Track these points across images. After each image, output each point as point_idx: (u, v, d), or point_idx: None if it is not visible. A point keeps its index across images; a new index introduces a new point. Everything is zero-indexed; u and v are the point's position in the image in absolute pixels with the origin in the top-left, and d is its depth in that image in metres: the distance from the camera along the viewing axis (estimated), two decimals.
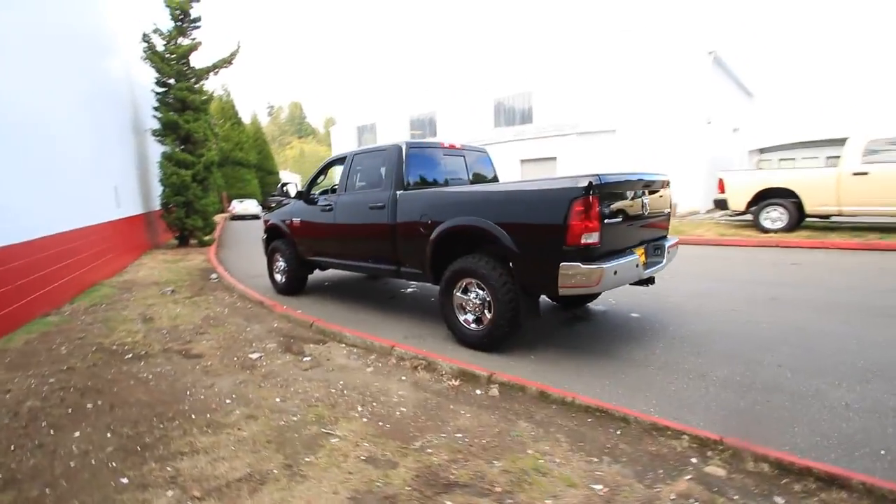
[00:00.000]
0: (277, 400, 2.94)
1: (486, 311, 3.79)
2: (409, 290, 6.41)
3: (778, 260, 7.19)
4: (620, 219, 3.50)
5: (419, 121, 24.58)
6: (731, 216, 11.80)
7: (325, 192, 6.07)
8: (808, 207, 8.90)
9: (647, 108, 17.23)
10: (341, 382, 3.25)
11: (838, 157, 26.20)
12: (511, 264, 3.61)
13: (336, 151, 30.09)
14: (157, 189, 11.31)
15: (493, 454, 2.22)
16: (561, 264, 3.23)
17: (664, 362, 3.42)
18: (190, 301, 5.99)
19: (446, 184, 4.98)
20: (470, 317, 3.92)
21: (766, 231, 9.42)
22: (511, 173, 17.73)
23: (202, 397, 3.00)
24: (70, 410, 2.63)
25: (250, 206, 25.14)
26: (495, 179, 5.71)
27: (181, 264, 9.17)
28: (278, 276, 6.44)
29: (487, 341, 3.75)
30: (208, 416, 2.69)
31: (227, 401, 2.94)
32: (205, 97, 11.15)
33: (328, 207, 5.36)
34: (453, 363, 3.34)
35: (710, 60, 16.14)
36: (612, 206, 3.40)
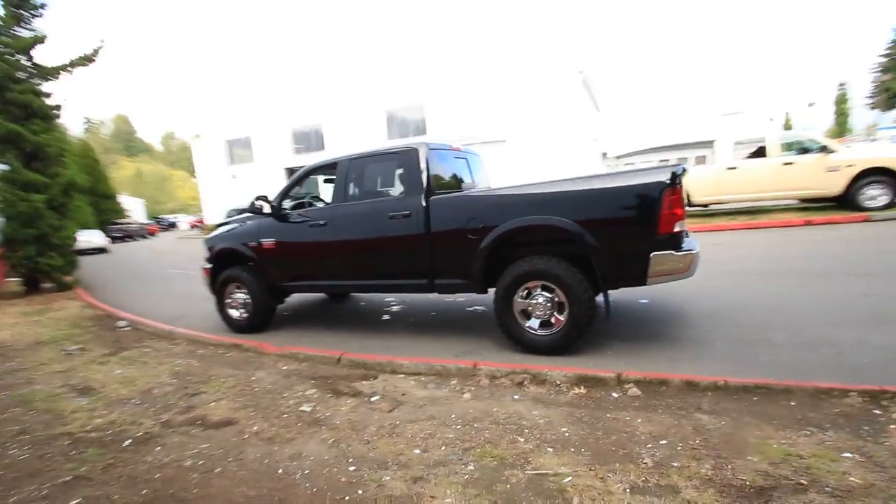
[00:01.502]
0: (417, 451, 2.35)
1: (555, 314, 3.62)
2: (396, 307, 5.86)
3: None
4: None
5: (303, 133, 23.04)
6: None
7: (299, 206, 5.21)
8: (695, 198, 10.63)
9: (530, 120, 18.83)
10: (454, 416, 2.76)
11: (667, 160, 31.70)
12: (590, 261, 3.53)
13: (202, 168, 26.48)
14: None
15: (730, 451, 2.08)
16: (652, 254, 3.26)
17: (737, 336, 3.62)
18: (121, 359, 4.55)
19: (459, 187, 4.67)
20: (535, 322, 3.71)
21: None
22: None
23: (308, 472, 2.24)
24: None
25: (93, 237, 20.57)
26: (487, 182, 5.56)
27: (52, 315, 6.98)
28: (235, 312, 5.29)
29: (563, 343, 3.58)
30: (361, 491, 2.01)
31: (351, 468, 2.25)
32: (57, 103, 8.71)
33: (320, 222, 4.58)
34: (565, 370, 3.10)
35: (581, 78, 18.41)
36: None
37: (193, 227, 34.69)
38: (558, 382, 3.04)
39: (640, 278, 3.37)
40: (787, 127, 36.92)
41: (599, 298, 3.68)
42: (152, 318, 6.19)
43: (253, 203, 4.77)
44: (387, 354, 3.94)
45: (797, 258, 6.36)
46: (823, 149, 9.24)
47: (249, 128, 24.07)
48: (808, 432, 2.22)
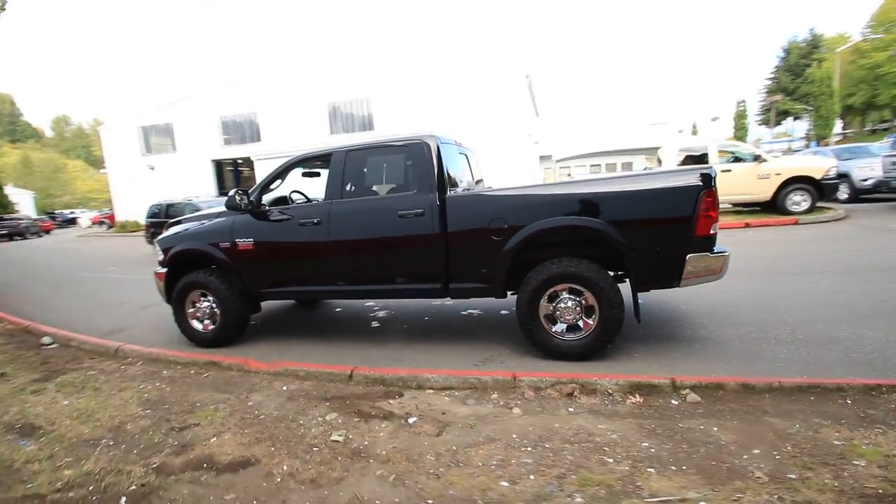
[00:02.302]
0: (504, 484, 2.06)
1: (584, 318, 3.50)
2: (382, 313, 5.43)
3: None
4: None
5: (234, 122, 21.25)
6: None
7: (279, 202, 4.63)
8: None
9: (478, 121, 18.89)
10: (514, 436, 2.51)
11: (598, 165, 33.57)
12: (616, 262, 3.45)
13: (112, 158, 23.45)
14: None
15: (830, 456, 2.04)
16: (688, 256, 3.24)
17: (747, 335, 3.72)
18: (60, 386, 3.72)
19: (464, 184, 4.41)
20: (562, 326, 3.56)
21: None
22: None
23: None
24: None
25: None
26: (483, 178, 5.35)
27: None
28: (199, 323, 4.59)
29: (594, 348, 3.47)
30: None
31: None
32: None
33: (312, 220, 4.07)
34: (616, 378, 2.96)
35: (527, 83, 18.83)
36: None
37: (98, 222, 30.68)
38: (611, 391, 2.90)
39: (673, 280, 3.34)
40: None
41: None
42: (83, 333, 5.21)
43: (232, 197, 4.12)
44: (400, 367, 3.59)
45: (754, 258, 6.86)
46: (756, 158, 10.19)
47: (171, 113, 21.72)
48: (881, 429, 2.26)
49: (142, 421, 2.96)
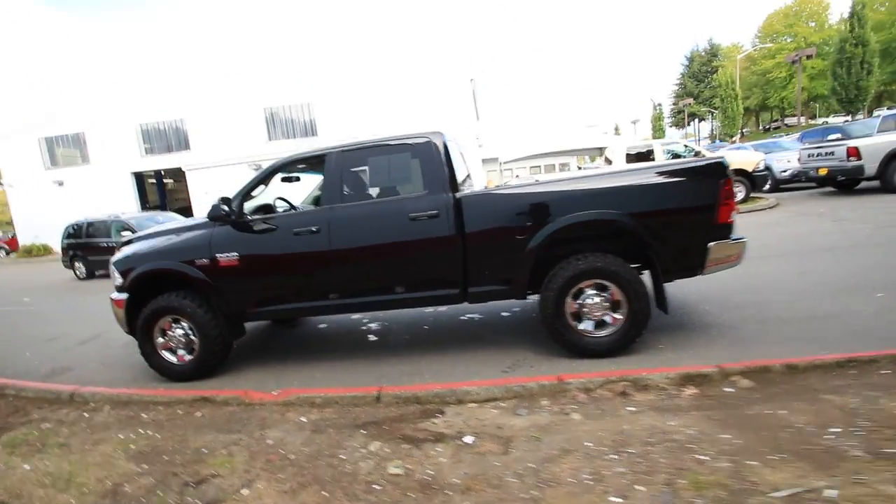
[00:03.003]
0: (616, 499, 1.89)
1: (610, 313, 3.45)
2: (374, 325, 5.10)
3: None
4: None
5: (157, 130, 19.38)
6: None
7: (262, 210, 4.16)
8: None
9: (426, 123, 18.79)
10: (589, 444, 2.36)
11: (538, 166, 34.93)
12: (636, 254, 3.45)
13: (11, 172, 20.50)
14: None
15: None
16: (710, 244, 3.30)
17: (752, 317, 3.90)
18: (11, 446, 3.05)
19: (464, 181, 4.22)
20: (588, 324, 3.48)
21: None
22: None
23: None
24: None
25: None
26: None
27: None
28: (172, 355, 4.01)
29: (623, 343, 3.42)
30: None
31: None
32: None
33: (310, 229, 3.67)
34: (665, 371, 2.92)
35: (471, 87, 19.01)
36: None
37: None
38: (663, 386, 2.84)
39: (696, 269, 3.39)
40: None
41: None
42: (18, 378, 4.37)
43: (217, 207, 3.62)
44: (426, 381, 3.33)
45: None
46: (696, 154, 10.98)
47: (81, 122, 19.35)
48: None
49: (142, 479, 2.45)
